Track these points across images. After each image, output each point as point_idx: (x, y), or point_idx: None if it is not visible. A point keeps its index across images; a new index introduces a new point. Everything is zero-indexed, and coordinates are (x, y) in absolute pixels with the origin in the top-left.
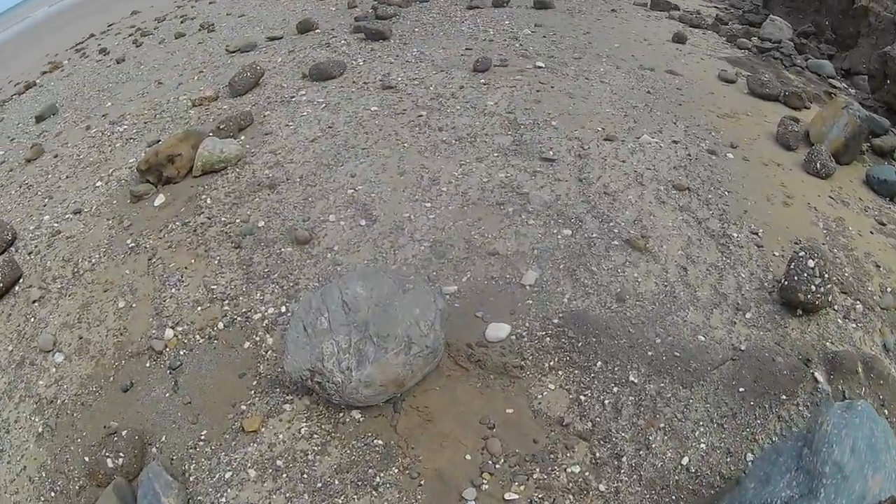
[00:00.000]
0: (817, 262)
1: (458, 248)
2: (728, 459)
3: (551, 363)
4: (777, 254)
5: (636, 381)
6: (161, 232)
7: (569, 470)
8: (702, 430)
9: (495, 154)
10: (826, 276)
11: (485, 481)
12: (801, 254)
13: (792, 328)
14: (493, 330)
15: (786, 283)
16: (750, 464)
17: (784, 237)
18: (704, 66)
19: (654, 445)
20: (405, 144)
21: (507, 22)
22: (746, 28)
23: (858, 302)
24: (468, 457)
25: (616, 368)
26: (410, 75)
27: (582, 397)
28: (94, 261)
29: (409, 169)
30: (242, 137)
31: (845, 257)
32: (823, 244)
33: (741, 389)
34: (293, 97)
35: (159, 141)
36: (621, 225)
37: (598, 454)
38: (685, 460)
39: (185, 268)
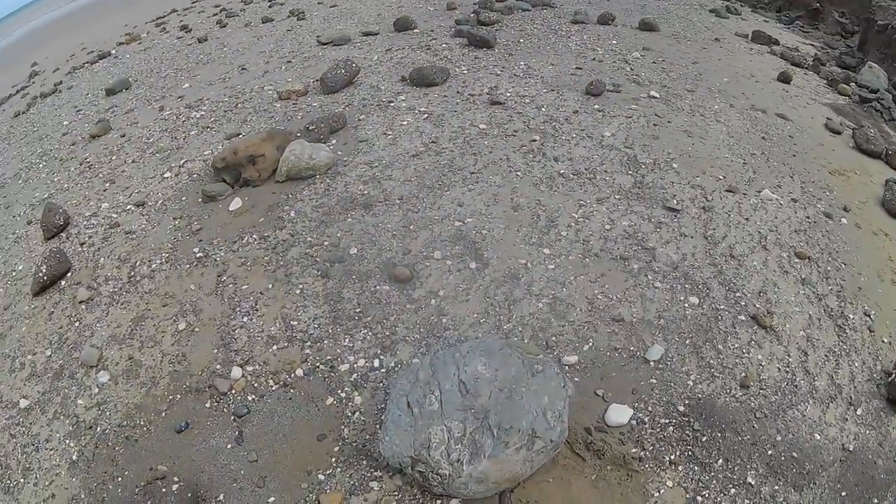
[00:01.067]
0: None
1: (579, 310)
2: None
3: (672, 457)
4: (885, 340)
5: (753, 482)
6: (235, 244)
7: None
8: None
9: (616, 196)
10: None
11: None
12: None
13: (893, 426)
14: (614, 413)
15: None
16: None
17: (892, 321)
18: (811, 111)
19: None
20: (518, 173)
21: (614, 41)
22: (846, 73)
23: None
24: None
25: (736, 468)
26: (520, 91)
27: (699, 498)
28: (154, 266)
29: (523, 203)
30: (334, 142)
31: None
32: None
33: (843, 493)
34: (391, 102)
35: (239, 134)
36: (747, 296)
37: None
38: None
39: (261, 293)
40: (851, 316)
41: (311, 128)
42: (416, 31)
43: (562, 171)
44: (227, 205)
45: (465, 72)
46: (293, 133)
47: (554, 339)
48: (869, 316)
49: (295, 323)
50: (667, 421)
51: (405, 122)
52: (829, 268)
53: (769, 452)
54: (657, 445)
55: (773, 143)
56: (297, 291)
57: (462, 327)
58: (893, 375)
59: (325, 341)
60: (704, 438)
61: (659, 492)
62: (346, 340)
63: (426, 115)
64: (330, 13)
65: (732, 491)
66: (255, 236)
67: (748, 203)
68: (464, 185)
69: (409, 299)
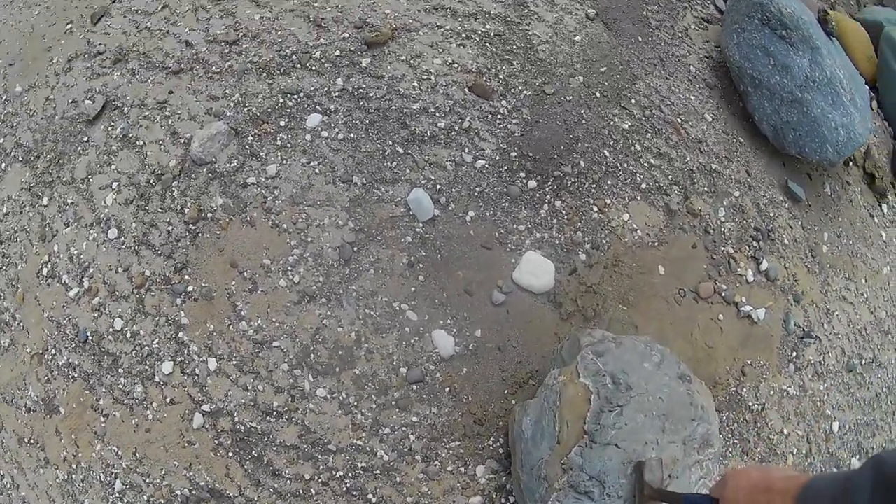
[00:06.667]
0: None
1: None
2: None
3: (597, 205)
4: None
5: (627, 125)
6: None
7: None
8: None
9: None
10: None
11: None
12: None
13: None
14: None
15: None
16: None
17: None
18: None
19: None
20: None
21: None
22: None
23: None
24: None
25: (597, 148)
26: None
27: (644, 185)
28: None
29: None
30: None
31: None
32: None
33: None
34: None
35: None
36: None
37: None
38: None
39: None
40: None
41: None
42: None
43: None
44: None
45: None
46: None
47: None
48: None
49: None
50: (548, 212)
51: None
52: None
53: (598, 94)
54: (573, 224)
55: None
56: None
57: None
58: None
59: None
60: (581, 163)
61: (630, 228)
62: None
63: None
64: None
65: (637, 148)
66: None
67: None
68: None
69: None
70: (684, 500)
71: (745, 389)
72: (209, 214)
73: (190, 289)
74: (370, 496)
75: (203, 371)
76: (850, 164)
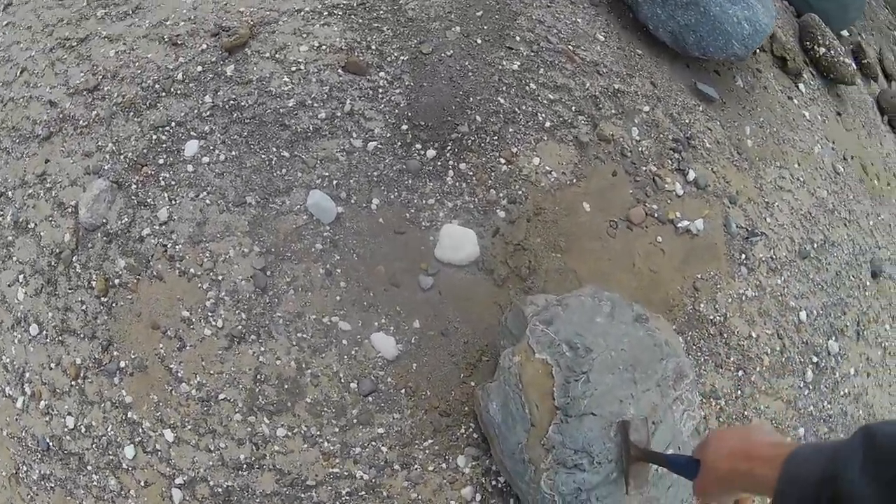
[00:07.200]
0: None
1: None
2: None
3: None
4: None
5: (516, 65)
6: None
7: None
8: None
9: None
10: None
11: None
12: None
13: None
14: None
15: None
16: None
17: None
18: None
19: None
20: None
21: None
22: None
23: None
24: None
25: (491, 97)
26: None
27: (548, 123)
28: None
29: None
30: None
31: None
32: None
33: None
34: None
35: None
36: None
37: None
38: None
39: None
40: None
41: None
42: None
43: None
44: None
45: None
46: None
47: None
48: None
49: None
50: (454, 178)
51: None
52: None
53: (477, 41)
54: (483, 183)
55: None
56: None
57: None
58: None
59: None
60: (476, 118)
61: (544, 172)
62: None
63: None
64: None
65: (532, 86)
66: None
67: None
68: None
69: None
70: (668, 461)
71: (702, 304)
72: (116, 281)
73: (122, 364)
74: None
75: (163, 445)
76: (758, 51)
